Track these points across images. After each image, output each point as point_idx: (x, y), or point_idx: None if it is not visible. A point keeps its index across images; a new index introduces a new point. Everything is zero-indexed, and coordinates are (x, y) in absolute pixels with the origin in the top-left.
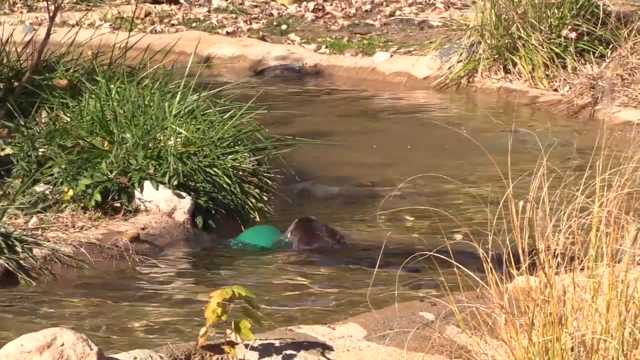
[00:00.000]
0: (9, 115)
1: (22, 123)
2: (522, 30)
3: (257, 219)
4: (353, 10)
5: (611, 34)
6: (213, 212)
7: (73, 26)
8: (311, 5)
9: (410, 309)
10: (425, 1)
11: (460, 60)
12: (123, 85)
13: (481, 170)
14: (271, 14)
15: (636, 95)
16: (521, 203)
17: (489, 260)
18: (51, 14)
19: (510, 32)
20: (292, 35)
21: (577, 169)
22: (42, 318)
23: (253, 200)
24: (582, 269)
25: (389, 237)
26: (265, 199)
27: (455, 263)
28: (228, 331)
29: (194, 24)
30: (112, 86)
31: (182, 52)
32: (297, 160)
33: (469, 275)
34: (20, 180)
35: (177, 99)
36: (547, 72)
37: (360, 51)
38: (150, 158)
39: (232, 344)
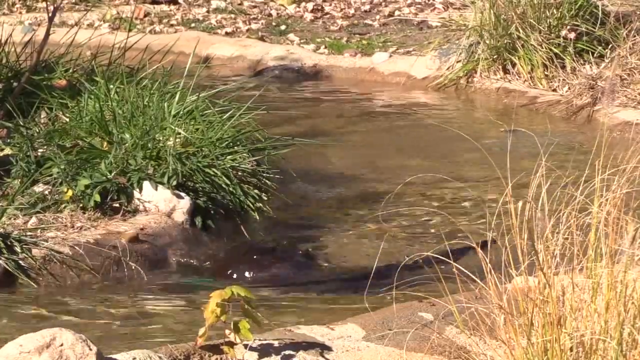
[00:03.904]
0: (8, 116)
1: (21, 123)
2: (521, 31)
3: (257, 218)
4: (352, 11)
5: (610, 34)
6: (212, 212)
7: (72, 26)
8: (310, 5)
9: (409, 309)
10: (424, 1)
11: (459, 61)
12: (122, 86)
13: (480, 170)
14: (270, 15)
15: (635, 96)
16: (520, 203)
17: (487, 261)
18: (50, 15)
19: (509, 32)
20: (291, 36)
21: (576, 169)
22: (41, 318)
23: (252, 201)
24: (581, 270)
25: (387, 237)
26: (265, 199)
27: (454, 264)
28: (227, 331)
29: (193, 25)
30: (111, 86)
31: (181, 52)
32: (297, 161)
33: (467, 276)
34: (19, 180)
35: (176, 99)
36: (546, 73)
37: (359, 51)
38: (149, 158)
39: (231, 344)
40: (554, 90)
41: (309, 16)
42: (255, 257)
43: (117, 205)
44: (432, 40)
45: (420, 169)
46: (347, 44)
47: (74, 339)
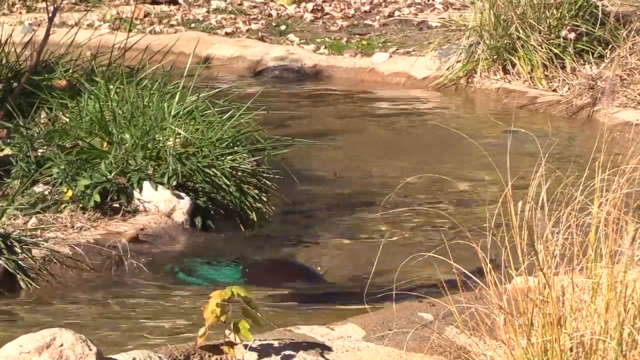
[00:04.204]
0: (8, 116)
1: (21, 124)
2: (521, 31)
3: (256, 219)
4: (352, 11)
5: (610, 35)
6: (212, 212)
7: (72, 27)
8: (310, 5)
9: (409, 309)
10: (424, 2)
11: (459, 61)
12: (122, 86)
13: (479, 170)
14: (270, 15)
15: (635, 96)
16: (520, 203)
17: (487, 261)
18: (50, 15)
19: (509, 32)
20: (291, 36)
21: (576, 169)
22: (41, 318)
23: (252, 201)
24: (581, 270)
25: (387, 237)
26: (264, 199)
27: (453, 264)
28: (227, 332)
29: (193, 25)
30: (111, 87)
31: (181, 52)
32: (296, 161)
33: (467, 276)
34: (19, 180)
35: (176, 99)
36: (546, 73)
37: (359, 52)
38: (149, 158)
39: (231, 345)
40: (554, 90)
41: (309, 16)
42: (252, 257)
43: (117, 205)
44: (432, 41)
45: (420, 169)
46: (347, 44)
47: (74, 339)
